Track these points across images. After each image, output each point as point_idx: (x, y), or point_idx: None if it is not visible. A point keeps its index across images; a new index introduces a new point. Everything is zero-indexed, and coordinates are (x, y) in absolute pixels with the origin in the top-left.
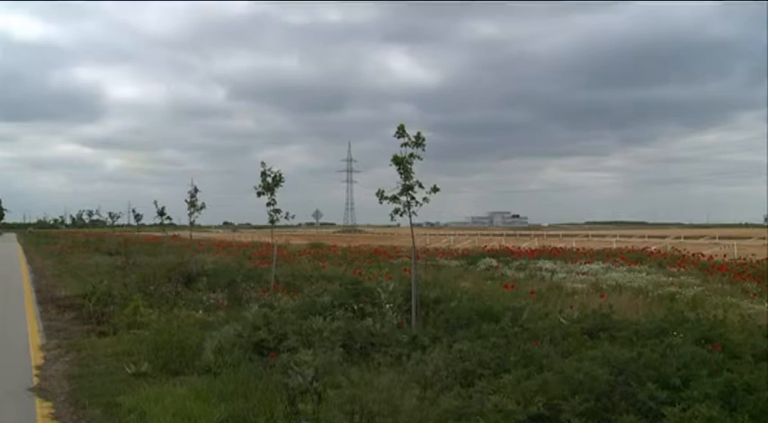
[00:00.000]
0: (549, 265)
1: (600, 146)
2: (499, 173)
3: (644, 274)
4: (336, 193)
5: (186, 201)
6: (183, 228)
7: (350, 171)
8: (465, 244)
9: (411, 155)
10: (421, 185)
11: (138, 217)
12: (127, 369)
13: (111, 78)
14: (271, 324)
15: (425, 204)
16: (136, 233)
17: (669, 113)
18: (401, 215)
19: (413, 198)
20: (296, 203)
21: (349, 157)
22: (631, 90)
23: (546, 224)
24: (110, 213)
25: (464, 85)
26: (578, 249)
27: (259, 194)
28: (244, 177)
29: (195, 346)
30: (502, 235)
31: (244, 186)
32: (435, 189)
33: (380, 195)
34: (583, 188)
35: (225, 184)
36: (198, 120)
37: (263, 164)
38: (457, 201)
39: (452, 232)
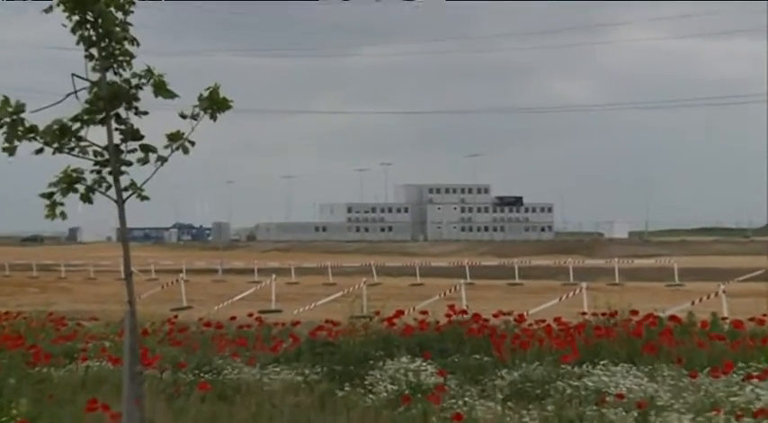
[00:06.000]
0: (628, 381)
1: None
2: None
3: None
4: None
5: None
6: None
7: None
8: (323, 305)
9: None
10: (162, 88)
11: None
12: None
13: None
14: None
15: (186, 157)
16: None
17: None
18: (88, 200)
19: (128, 132)
20: None
21: None
22: None
23: (623, 234)
24: None
25: None
26: (737, 325)
27: None
28: None
29: None
30: (462, 276)
31: None
32: (217, 104)
33: None
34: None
35: None
36: None
37: None
38: (307, 149)
39: (277, 263)
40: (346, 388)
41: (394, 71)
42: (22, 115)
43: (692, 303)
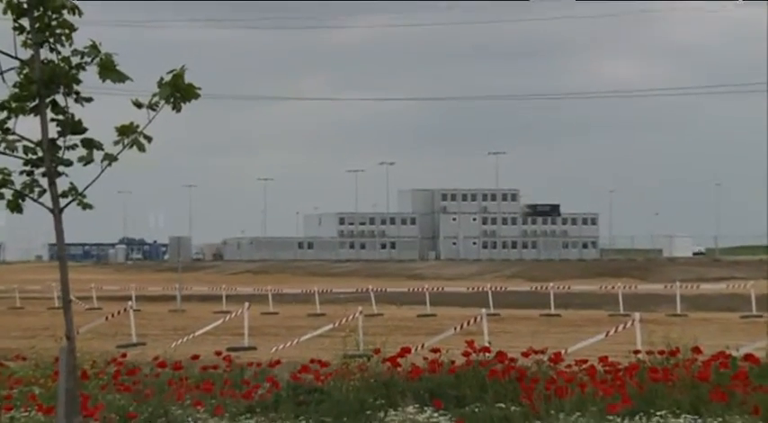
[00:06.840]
0: None
1: None
2: None
3: None
4: None
5: None
6: None
7: None
8: (308, 341)
9: None
10: (110, 69)
11: None
12: None
13: None
14: None
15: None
16: None
17: None
18: (16, 208)
19: (68, 124)
20: None
21: None
22: None
23: (685, 252)
24: None
25: None
26: None
27: None
28: None
29: None
30: (484, 305)
31: None
32: (182, 92)
33: None
34: None
35: None
36: None
37: None
38: (288, 145)
39: (251, 288)
40: None
41: (394, 47)
42: None
43: None
